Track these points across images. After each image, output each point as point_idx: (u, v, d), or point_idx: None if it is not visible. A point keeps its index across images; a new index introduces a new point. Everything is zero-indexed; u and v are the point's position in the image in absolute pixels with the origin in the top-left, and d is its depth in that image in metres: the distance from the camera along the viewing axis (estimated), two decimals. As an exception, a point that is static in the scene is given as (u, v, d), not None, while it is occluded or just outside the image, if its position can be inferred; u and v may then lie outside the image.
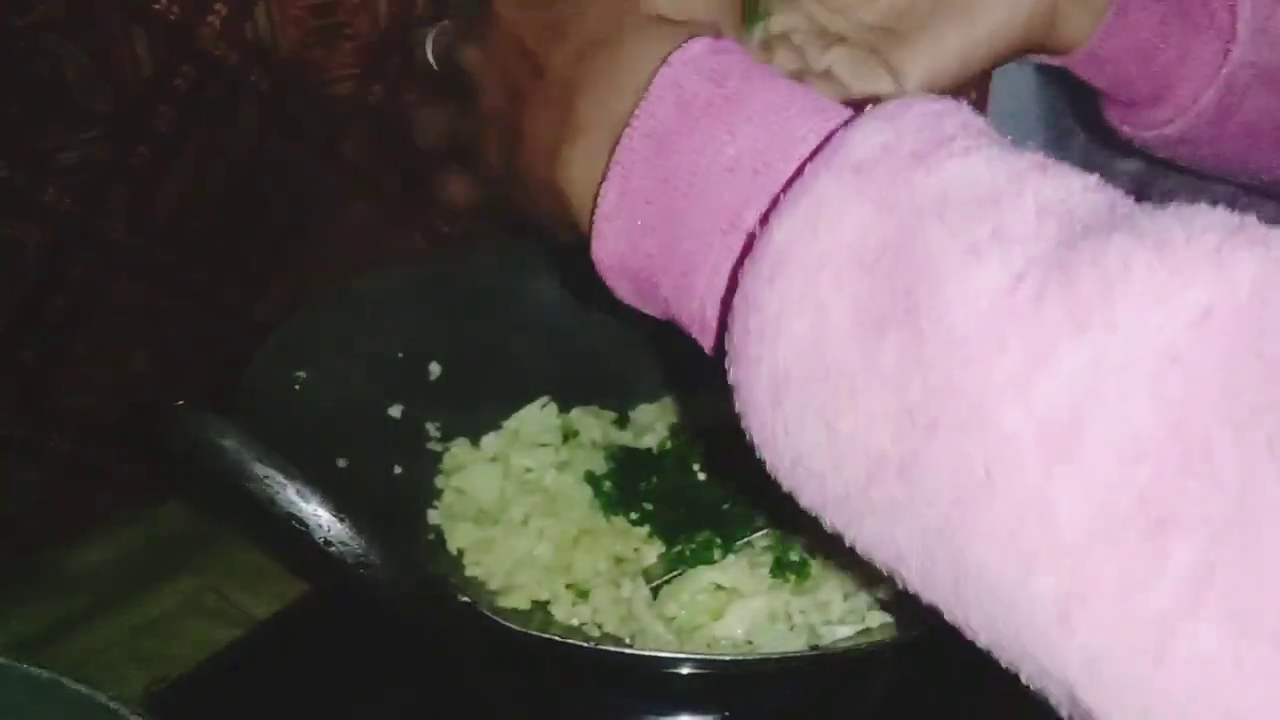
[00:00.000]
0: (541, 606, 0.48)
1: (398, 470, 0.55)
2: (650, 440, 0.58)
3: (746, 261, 0.27)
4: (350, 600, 0.58)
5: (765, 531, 0.51)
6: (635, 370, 0.62)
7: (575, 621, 0.47)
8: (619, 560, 0.51)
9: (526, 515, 0.52)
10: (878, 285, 0.25)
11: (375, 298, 0.58)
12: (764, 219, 0.27)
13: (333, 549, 0.33)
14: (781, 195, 0.27)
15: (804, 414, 0.26)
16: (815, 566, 0.49)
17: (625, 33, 0.33)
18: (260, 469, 0.33)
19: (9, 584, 0.68)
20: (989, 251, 0.24)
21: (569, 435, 0.58)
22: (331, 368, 0.53)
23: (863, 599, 0.48)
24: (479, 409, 0.59)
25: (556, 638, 0.41)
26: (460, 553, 0.51)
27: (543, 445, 0.56)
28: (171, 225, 0.71)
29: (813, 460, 0.26)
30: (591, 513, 0.53)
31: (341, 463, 0.49)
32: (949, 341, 0.24)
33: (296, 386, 0.51)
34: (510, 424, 0.58)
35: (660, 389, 0.62)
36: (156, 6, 0.67)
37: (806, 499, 0.28)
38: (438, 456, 0.57)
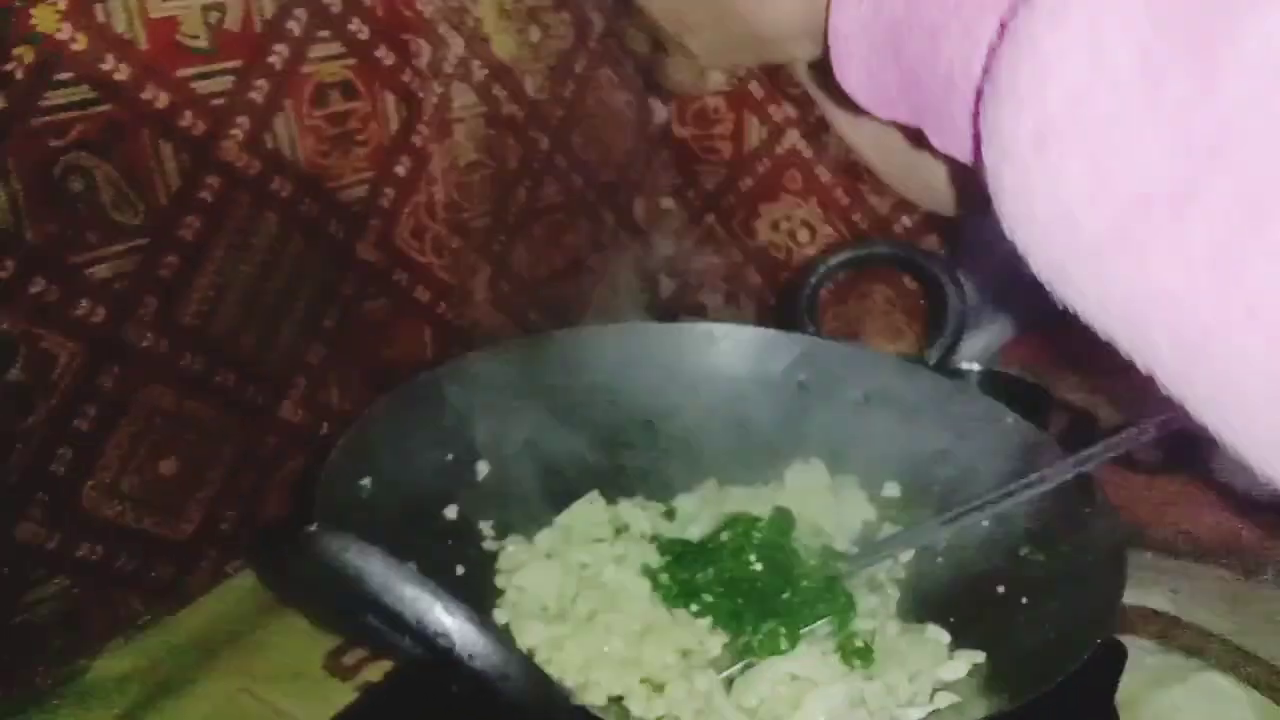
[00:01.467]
0: (616, 702, 0.50)
1: (460, 571, 0.56)
2: (696, 530, 0.60)
3: (1021, 3, 0.27)
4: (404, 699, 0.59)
5: (826, 619, 0.54)
6: (675, 461, 0.65)
7: (654, 717, 0.48)
8: (686, 653, 0.52)
9: (592, 611, 0.54)
10: (1166, 27, 0.25)
11: (418, 403, 0.60)
12: None
13: (476, 660, 0.35)
14: None
15: (1067, 159, 0.26)
16: (878, 652, 0.52)
17: None
18: (409, 589, 0.34)
19: (40, 696, 0.67)
20: None
21: (619, 529, 0.60)
22: (390, 473, 0.55)
23: (926, 680, 0.50)
24: (529, 506, 0.60)
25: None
26: (531, 651, 0.52)
27: (597, 540, 0.58)
28: (198, 331, 0.73)
29: (1070, 203, 0.26)
30: (653, 606, 0.55)
31: (411, 566, 0.50)
32: (1243, 79, 0.24)
33: (363, 495, 0.52)
34: (562, 519, 0.60)
35: (698, 479, 0.65)
36: (182, 123, 0.69)
37: (1047, 254, 0.27)
38: (494, 556, 0.58)
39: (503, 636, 0.36)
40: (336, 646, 0.72)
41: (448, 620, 0.34)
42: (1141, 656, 0.68)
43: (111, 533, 0.71)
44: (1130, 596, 0.73)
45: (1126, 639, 0.66)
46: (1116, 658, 0.61)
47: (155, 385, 0.71)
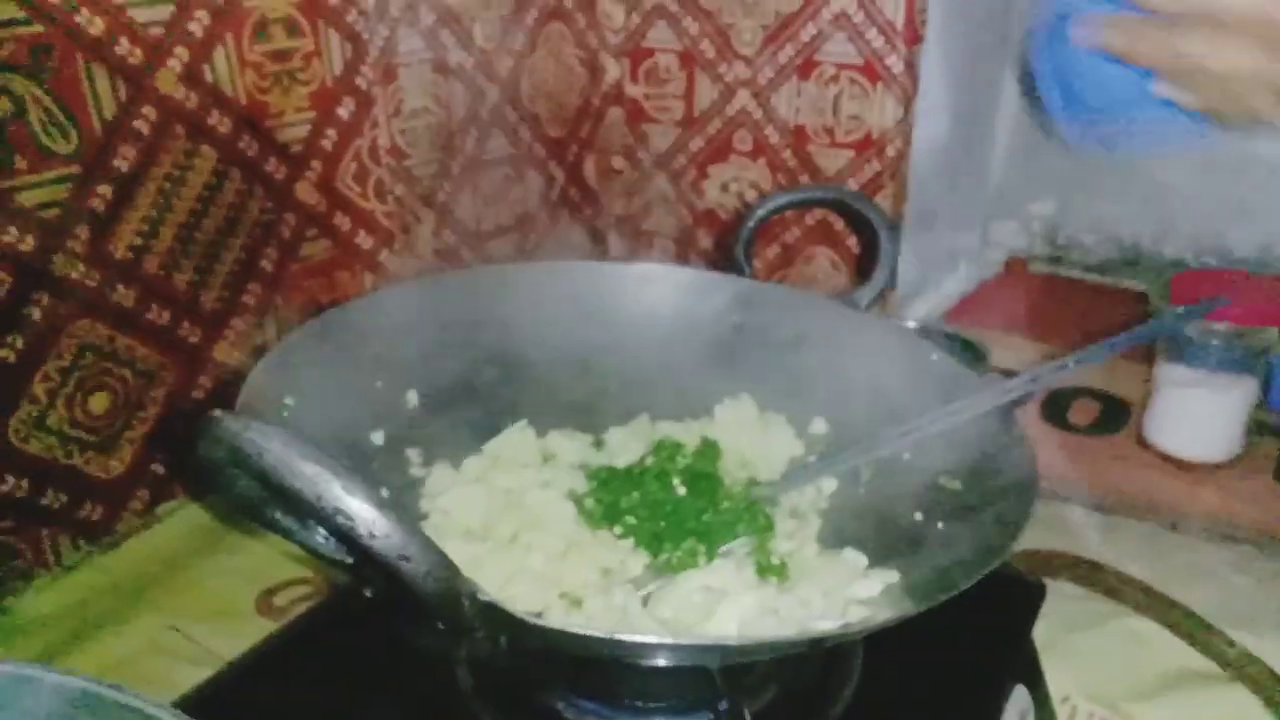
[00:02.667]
0: (535, 617, 0.50)
1: (384, 493, 0.56)
2: (625, 460, 0.60)
3: None
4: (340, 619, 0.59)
5: (744, 539, 0.54)
6: (609, 397, 0.65)
7: (571, 628, 0.48)
8: (606, 572, 0.53)
9: (514, 532, 0.54)
10: None
11: (352, 328, 0.59)
12: None
13: (376, 541, 0.35)
14: None
15: None
16: (794, 569, 0.53)
17: None
18: (308, 467, 0.34)
19: (-38, 631, 0.66)
20: None
21: (547, 458, 0.60)
22: (315, 395, 0.54)
23: (840, 597, 0.51)
24: (458, 436, 0.60)
25: (577, 629, 0.43)
26: (452, 569, 0.52)
27: (523, 467, 0.58)
28: (130, 265, 0.72)
29: None
30: (576, 528, 0.55)
31: (314, 447, 0.49)
32: None
33: (285, 414, 0.52)
34: (490, 448, 0.60)
35: (630, 414, 0.65)
36: (118, 49, 0.68)
37: None
38: (420, 481, 0.58)
39: (406, 519, 0.36)
40: (268, 588, 0.72)
41: (347, 498, 0.34)
42: (1064, 601, 0.69)
43: (37, 469, 0.70)
44: (1057, 545, 0.75)
45: (1050, 583, 0.67)
46: (1035, 595, 0.62)
47: (86, 319, 0.71)
